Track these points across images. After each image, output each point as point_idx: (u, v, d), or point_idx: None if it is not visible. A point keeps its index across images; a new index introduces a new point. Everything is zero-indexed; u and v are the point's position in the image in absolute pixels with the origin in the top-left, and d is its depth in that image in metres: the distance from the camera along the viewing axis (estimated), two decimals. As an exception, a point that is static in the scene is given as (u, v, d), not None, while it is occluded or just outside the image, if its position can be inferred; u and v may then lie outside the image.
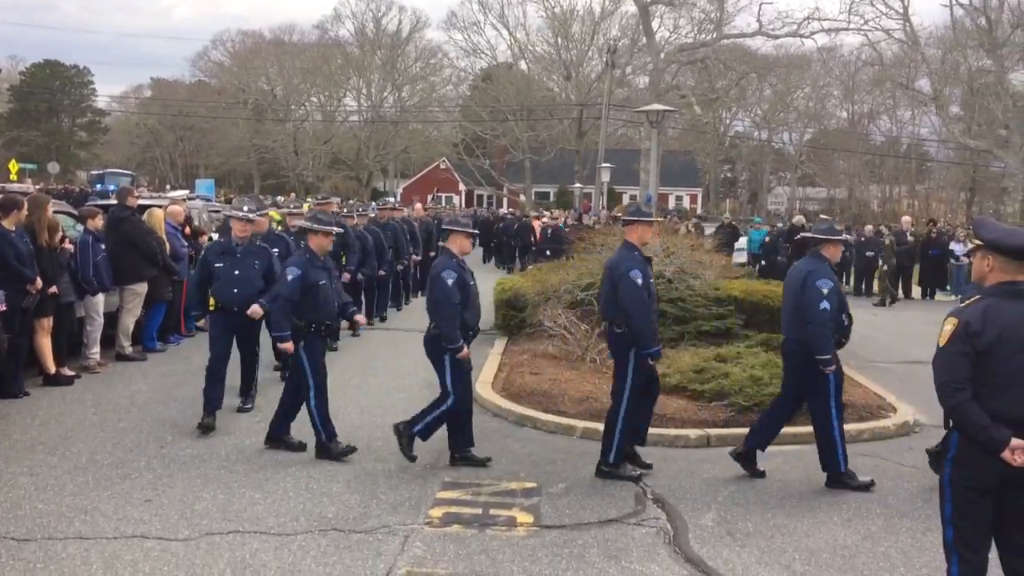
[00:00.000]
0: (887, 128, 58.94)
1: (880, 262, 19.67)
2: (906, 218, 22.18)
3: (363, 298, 12.76)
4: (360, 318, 7.73)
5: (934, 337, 3.71)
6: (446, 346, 6.28)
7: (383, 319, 13.52)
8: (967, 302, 3.66)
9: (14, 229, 7.77)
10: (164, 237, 10.45)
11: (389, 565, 4.71)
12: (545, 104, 55.76)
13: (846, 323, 6.38)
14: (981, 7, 34.54)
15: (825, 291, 6.00)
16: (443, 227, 6.90)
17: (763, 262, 19.68)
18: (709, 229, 23.08)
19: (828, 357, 6.03)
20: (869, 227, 22.88)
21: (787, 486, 6.26)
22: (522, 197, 55.56)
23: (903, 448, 7.34)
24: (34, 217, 8.17)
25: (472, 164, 55.11)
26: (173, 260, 10.49)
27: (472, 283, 6.53)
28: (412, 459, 6.42)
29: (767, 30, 34.10)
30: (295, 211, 13.69)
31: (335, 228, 7.13)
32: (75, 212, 10.33)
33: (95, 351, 9.26)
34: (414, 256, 15.28)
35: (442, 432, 6.61)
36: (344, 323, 8.61)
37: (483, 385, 8.95)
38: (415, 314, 14.29)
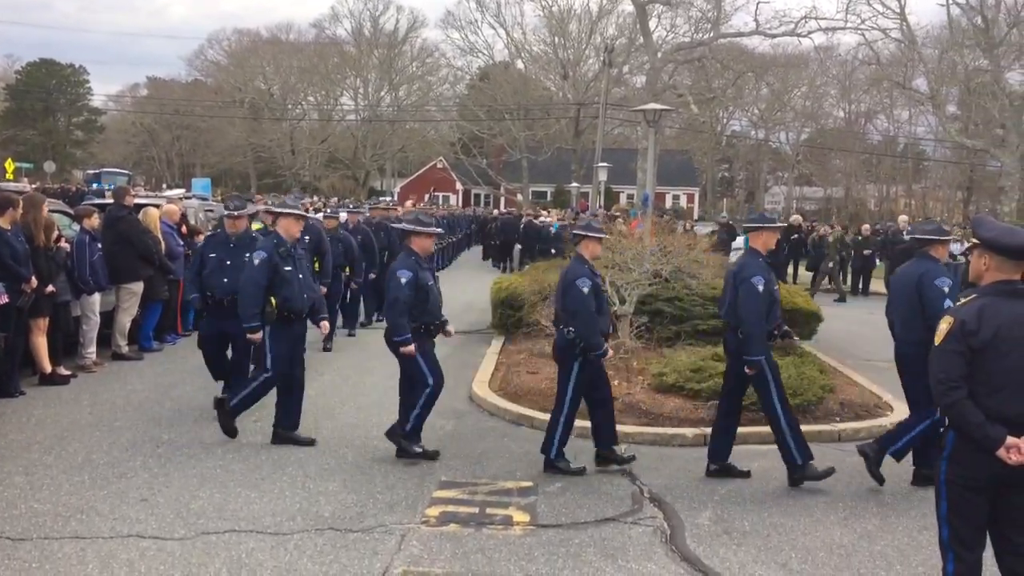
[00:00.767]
0: (884, 127, 59.10)
1: (830, 262, 19.74)
2: (903, 217, 22.23)
3: (352, 302, 12.58)
4: (324, 326, 7.47)
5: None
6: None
7: (379, 319, 13.43)
8: (964, 301, 3.66)
9: (9, 228, 7.75)
10: (160, 236, 10.43)
11: (386, 564, 4.70)
12: (542, 103, 55.76)
13: None
14: (978, 6, 34.56)
15: (946, 289, 5.96)
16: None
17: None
18: (704, 229, 23.12)
19: None
20: (866, 226, 22.91)
21: (783, 485, 6.25)
22: (519, 196, 55.56)
23: (900, 447, 7.33)
24: (30, 216, 8.15)
25: (469, 163, 55.10)
26: (169, 259, 10.47)
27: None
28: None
29: (764, 29, 34.11)
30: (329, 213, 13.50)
31: (437, 230, 7.02)
32: (71, 211, 10.31)
33: (91, 350, 9.25)
34: None
35: (439, 432, 6.61)
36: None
37: (480, 384, 8.96)
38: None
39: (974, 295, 3.65)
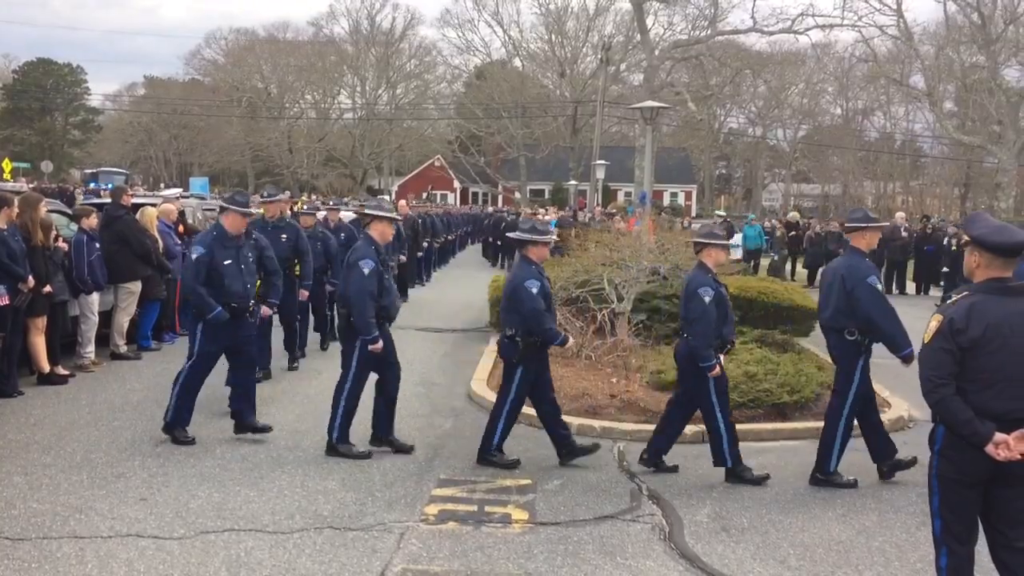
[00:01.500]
0: (881, 124, 59.26)
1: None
2: (900, 214, 22.25)
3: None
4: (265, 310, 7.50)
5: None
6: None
7: None
8: (954, 298, 3.68)
9: (6, 227, 7.75)
10: (157, 235, 10.42)
11: (385, 563, 4.71)
12: (539, 101, 55.80)
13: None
14: (974, 3, 34.62)
15: None
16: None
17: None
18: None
19: None
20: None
21: (782, 482, 6.26)
22: (517, 194, 55.60)
23: (898, 443, 7.28)
24: (27, 216, 8.14)
25: (467, 161, 55.13)
26: (167, 259, 10.47)
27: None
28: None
29: (761, 26, 34.07)
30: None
31: (548, 238, 6.81)
32: (69, 211, 10.30)
33: (89, 350, 9.24)
34: (401, 256, 14.51)
35: (438, 430, 6.61)
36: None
37: (478, 382, 8.96)
38: (409, 312, 14.31)
39: (965, 292, 3.66)
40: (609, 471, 6.47)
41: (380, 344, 6.42)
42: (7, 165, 37.11)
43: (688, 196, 64.13)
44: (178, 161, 68.98)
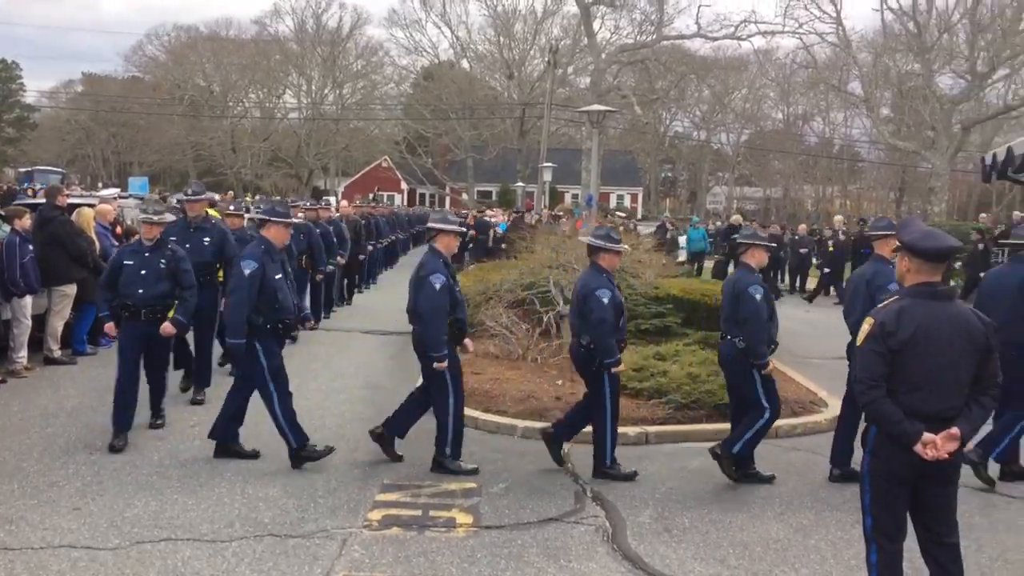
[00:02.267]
0: (820, 129, 60.50)
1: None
2: (838, 217, 22.76)
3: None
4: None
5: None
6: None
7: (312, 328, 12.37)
8: (886, 302, 3.78)
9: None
10: (94, 237, 10.16)
11: (326, 570, 4.66)
12: (487, 103, 55.82)
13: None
14: (910, 12, 35.59)
15: None
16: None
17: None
18: (647, 229, 23.37)
19: None
20: (803, 226, 23.41)
21: (723, 481, 6.34)
22: (464, 196, 55.54)
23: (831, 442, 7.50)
24: (-45, 217, 7.88)
25: (414, 163, 54.85)
26: (103, 261, 10.20)
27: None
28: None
29: (705, 32, 34.58)
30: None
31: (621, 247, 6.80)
32: (1, 212, 9.98)
33: (22, 355, 8.97)
34: (340, 260, 13.82)
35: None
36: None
37: (424, 386, 8.91)
38: (355, 314, 14.20)
39: (896, 296, 3.77)
40: (554, 473, 6.49)
41: (445, 363, 6.21)
42: (-64, 163, 35.80)
43: (634, 198, 64.77)
44: (117, 160, 67.33)
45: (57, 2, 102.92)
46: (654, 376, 8.44)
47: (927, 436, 3.58)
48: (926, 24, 35.38)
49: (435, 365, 6.18)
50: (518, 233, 14.94)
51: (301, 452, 6.37)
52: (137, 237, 7.20)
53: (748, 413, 6.31)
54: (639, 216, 52.34)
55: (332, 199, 36.58)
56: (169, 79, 63.38)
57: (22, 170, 44.49)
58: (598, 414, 6.40)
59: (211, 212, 9.88)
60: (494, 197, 56.67)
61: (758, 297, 6.12)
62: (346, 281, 15.19)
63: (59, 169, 44.91)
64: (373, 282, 18.74)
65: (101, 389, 8.43)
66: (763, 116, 60.64)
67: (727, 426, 7.75)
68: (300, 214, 12.06)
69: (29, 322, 9.06)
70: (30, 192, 22.97)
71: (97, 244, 10.14)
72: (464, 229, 8.90)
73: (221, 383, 8.82)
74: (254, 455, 6.52)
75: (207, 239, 8.43)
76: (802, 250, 20.90)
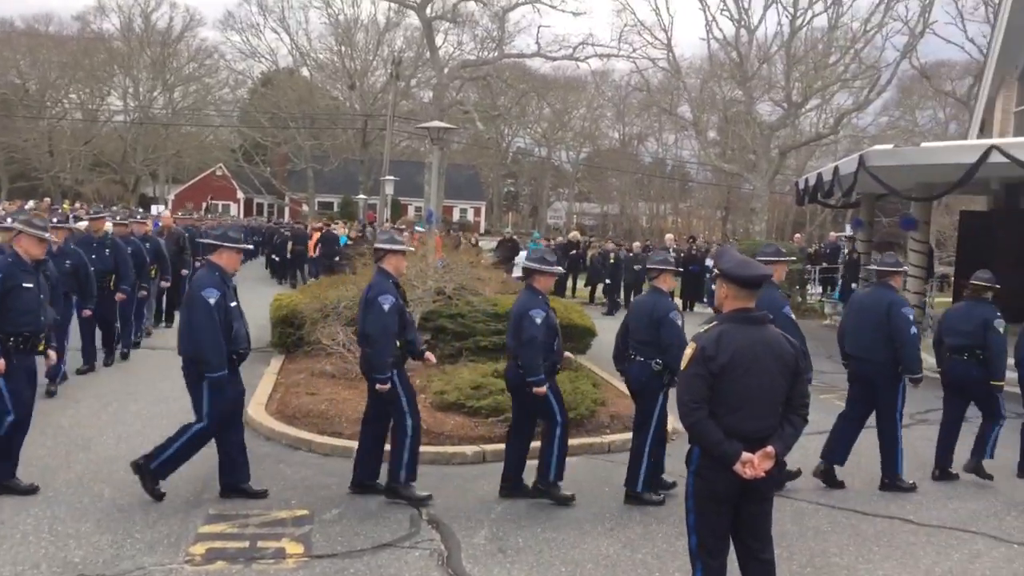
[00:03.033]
0: (654, 149, 63.30)
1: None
2: (668, 235, 23.83)
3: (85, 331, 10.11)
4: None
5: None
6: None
7: (124, 355, 11.19)
8: (706, 327, 3.97)
9: None
10: None
11: (142, 611, 4.38)
12: (329, 113, 54.80)
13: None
14: (733, 43, 37.89)
15: (912, 317, 7.06)
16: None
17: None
18: (490, 244, 23.61)
19: (918, 373, 7.03)
20: (637, 243, 24.31)
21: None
22: (305, 207, 54.23)
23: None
24: None
25: (251, 171, 53.09)
26: None
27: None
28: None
29: (545, 52, 35.53)
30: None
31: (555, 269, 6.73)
32: None
33: None
34: (163, 283, 12.88)
35: (208, 461, 6.26)
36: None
37: (256, 407, 8.59)
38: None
39: (715, 322, 3.97)
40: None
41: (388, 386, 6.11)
42: None
43: (477, 212, 65.35)
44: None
45: None
46: (492, 394, 8.47)
47: (745, 455, 3.77)
48: (747, 54, 37.75)
49: (377, 387, 6.16)
50: (357, 248, 14.62)
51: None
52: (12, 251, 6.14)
53: (636, 435, 6.60)
54: (481, 230, 52.89)
55: (161, 207, 34.79)
56: (-23, 75, 58.32)
57: None
58: (546, 435, 6.44)
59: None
60: (336, 209, 55.66)
61: (679, 322, 6.40)
62: (165, 299, 13.92)
63: None
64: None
65: None
66: (601, 135, 62.75)
67: (573, 441, 7.95)
68: (108, 226, 11.26)
69: None
70: None
71: None
72: (412, 248, 8.98)
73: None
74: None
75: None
76: (636, 267, 21.68)
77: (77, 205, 35.68)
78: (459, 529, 5.76)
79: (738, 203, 54.20)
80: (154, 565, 4.94)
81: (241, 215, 56.16)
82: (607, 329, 15.20)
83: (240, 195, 61.03)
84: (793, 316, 6.82)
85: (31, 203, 30.03)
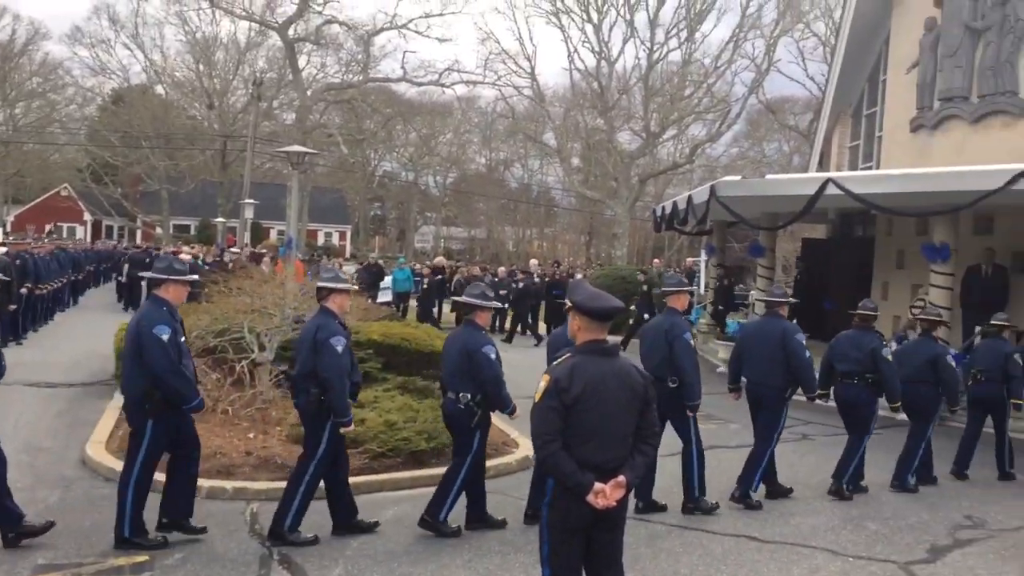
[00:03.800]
0: (520, 175, 64.25)
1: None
2: (533, 261, 24.17)
3: None
4: None
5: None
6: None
7: None
8: (560, 359, 4.01)
9: None
10: None
11: None
12: (185, 132, 52.77)
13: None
14: (594, 73, 39.12)
15: (804, 342, 7.54)
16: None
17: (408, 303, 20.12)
18: (353, 268, 23.23)
19: (815, 392, 7.70)
20: (502, 268, 24.52)
21: (415, 531, 6.35)
22: (159, 230, 51.92)
23: (523, 482, 7.79)
24: None
25: (100, 192, 50.38)
26: None
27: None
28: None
29: (411, 77, 35.63)
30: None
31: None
32: None
33: None
34: None
35: (40, 506, 5.82)
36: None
37: (95, 446, 8.08)
38: (17, 364, 12.57)
39: (569, 354, 4.01)
40: (238, 537, 6.12)
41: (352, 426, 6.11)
42: None
43: (343, 236, 64.40)
44: None
45: None
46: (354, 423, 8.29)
47: (597, 485, 3.80)
48: (608, 85, 39.07)
49: (342, 430, 6.05)
50: (211, 276, 13.99)
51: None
52: None
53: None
54: (347, 254, 52.10)
55: (-2, 230, 32.47)
56: None
57: None
58: (455, 470, 6.37)
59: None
60: (193, 232, 53.56)
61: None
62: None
63: None
64: (24, 336, 15.34)
65: None
66: (468, 160, 63.19)
67: (423, 473, 7.86)
68: None
69: None
70: None
71: None
72: (355, 287, 8.72)
73: None
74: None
75: None
76: (502, 291, 21.85)
77: (-100, 227, 32.88)
78: (312, 568, 5.58)
79: (601, 228, 55.71)
80: (-30, 625, 4.53)
81: (88, 238, 53.07)
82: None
83: (87, 217, 57.78)
84: (692, 343, 7.20)
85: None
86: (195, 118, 55.02)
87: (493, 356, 6.27)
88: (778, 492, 7.69)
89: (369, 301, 19.55)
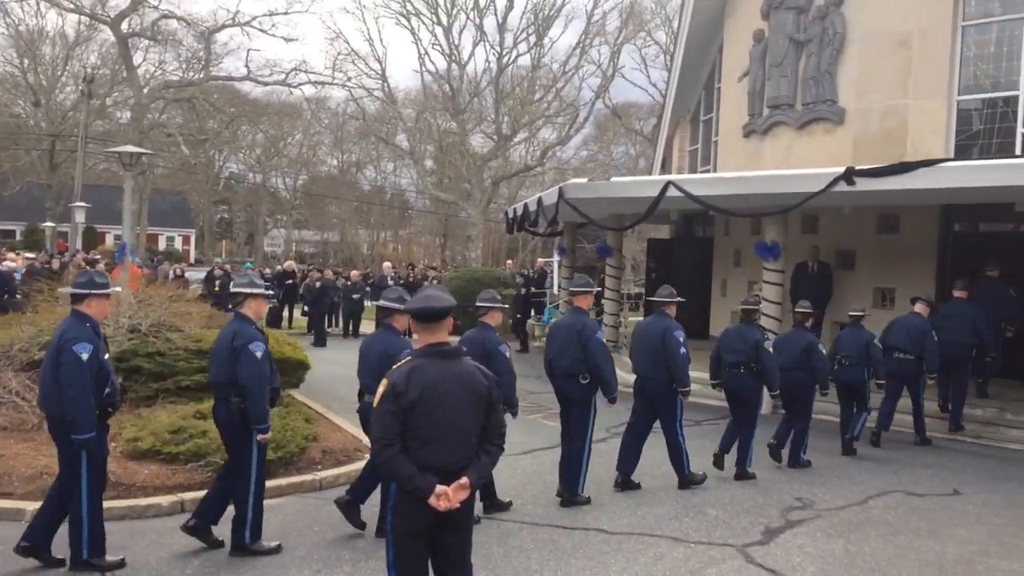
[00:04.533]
0: (373, 177, 63.55)
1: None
2: (387, 264, 23.92)
3: None
4: None
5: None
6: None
7: None
8: (400, 363, 3.97)
9: None
10: None
11: None
12: (8, 131, 49.02)
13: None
14: (445, 76, 39.17)
15: (682, 339, 7.94)
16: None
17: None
18: (199, 274, 22.27)
19: (687, 387, 8.12)
20: (355, 271, 24.16)
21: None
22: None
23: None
24: None
25: (-95, 194, 46.07)
26: None
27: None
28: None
29: (256, 76, 34.50)
30: None
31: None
32: None
33: None
34: None
35: None
36: None
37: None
38: None
39: (409, 357, 3.98)
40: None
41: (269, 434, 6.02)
42: None
43: (186, 240, 61.69)
44: None
45: None
46: (193, 437, 7.94)
47: (439, 488, 3.78)
48: (459, 88, 39.21)
49: (259, 438, 5.91)
50: (33, 285, 13.02)
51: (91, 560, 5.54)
52: None
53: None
54: (192, 259, 49.91)
55: None
56: None
57: None
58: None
59: None
60: (19, 237, 49.85)
61: (508, 354, 6.98)
62: None
63: None
64: None
65: None
66: (319, 161, 61.91)
67: (269, 483, 7.60)
68: None
69: None
70: None
71: None
72: (269, 292, 8.51)
73: None
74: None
75: None
76: (355, 295, 21.53)
77: None
78: (144, 589, 5.29)
79: (456, 230, 55.87)
80: None
81: None
82: (326, 361, 14.94)
83: None
84: (604, 340, 7.59)
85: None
86: (20, 116, 51.21)
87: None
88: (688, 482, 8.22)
89: (213, 308, 18.84)
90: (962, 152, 13.67)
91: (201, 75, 35.46)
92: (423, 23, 38.77)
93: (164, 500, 6.99)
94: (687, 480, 8.09)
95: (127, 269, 12.63)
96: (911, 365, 10.32)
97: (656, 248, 22.27)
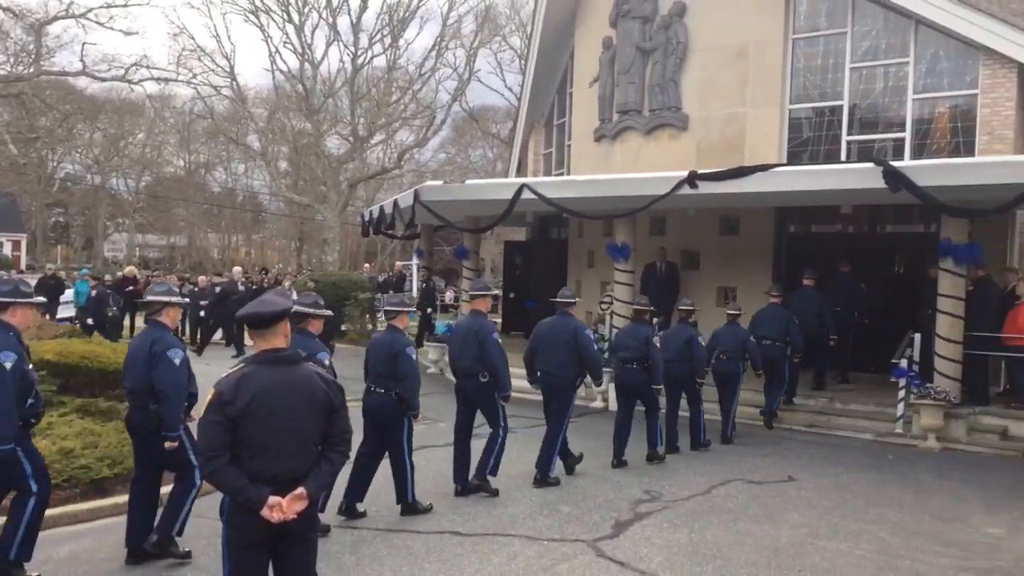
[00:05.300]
0: (223, 179, 61.22)
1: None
2: (237, 268, 23.06)
3: None
4: None
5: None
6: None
7: None
8: (230, 371, 3.82)
9: None
10: None
11: None
12: None
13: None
14: (298, 76, 38.26)
15: (593, 336, 8.68)
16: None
17: (91, 319, 18.22)
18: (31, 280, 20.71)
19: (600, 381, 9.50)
20: (203, 278, 23.19)
21: (95, 565, 5.80)
22: None
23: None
24: None
25: None
26: None
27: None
28: None
29: (92, 71, 32.53)
30: None
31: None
32: None
33: None
34: None
35: None
36: None
37: None
38: None
39: (241, 365, 3.83)
40: None
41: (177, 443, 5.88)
42: None
43: (16, 246, 57.33)
44: None
45: None
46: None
47: (272, 499, 3.64)
48: (313, 88, 38.39)
49: (167, 445, 5.85)
50: None
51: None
52: None
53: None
54: (23, 266, 46.50)
55: None
56: None
57: None
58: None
59: None
60: None
61: (414, 356, 7.16)
62: None
63: None
64: None
65: None
66: (164, 162, 59.05)
67: (105, 502, 7.22)
68: None
69: None
70: None
71: None
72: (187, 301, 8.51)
73: None
74: None
75: None
76: (203, 302, 20.62)
77: None
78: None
79: (312, 234, 54.61)
80: None
81: None
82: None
83: None
84: (499, 340, 7.84)
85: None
86: None
87: (328, 362, 6.38)
88: (572, 463, 8.75)
89: (47, 317, 17.62)
90: (794, 158, 14.55)
91: (31, 69, 33.09)
92: (273, 20, 37.82)
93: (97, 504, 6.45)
94: (544, 476, 8.32)
95: (-57, 277, 11.59)
96: (776, 351, 11.26)
97: (513, 250, 22.55)
